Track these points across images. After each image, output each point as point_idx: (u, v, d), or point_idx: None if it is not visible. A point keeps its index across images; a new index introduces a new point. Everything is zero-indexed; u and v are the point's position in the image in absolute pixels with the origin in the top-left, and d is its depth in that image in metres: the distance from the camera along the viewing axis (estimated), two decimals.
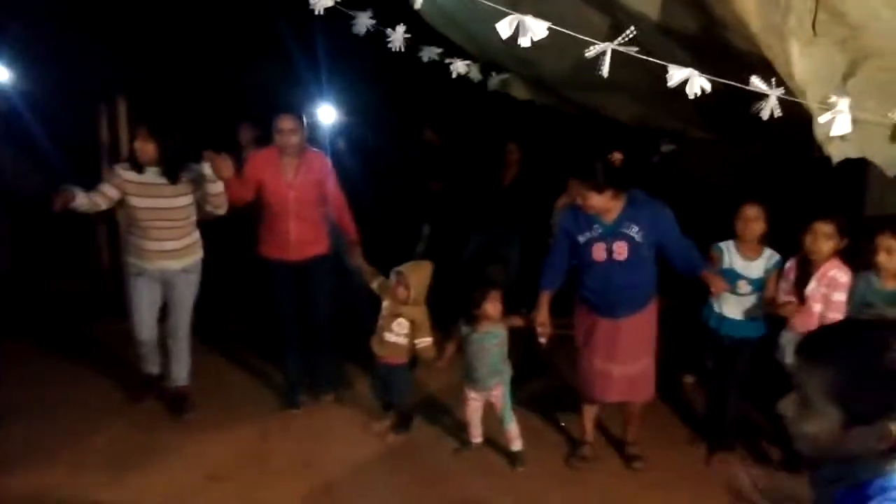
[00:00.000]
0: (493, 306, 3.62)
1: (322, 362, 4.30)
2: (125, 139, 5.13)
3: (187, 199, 3.75)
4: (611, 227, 3.39)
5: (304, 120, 3.91)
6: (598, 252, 3.42)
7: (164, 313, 3.97)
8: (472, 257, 5.51)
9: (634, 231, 3.35)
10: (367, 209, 5.20)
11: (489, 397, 3.78)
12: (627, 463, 3.74)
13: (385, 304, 3.86)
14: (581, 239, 3.47)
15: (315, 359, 4.27)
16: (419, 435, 4.05)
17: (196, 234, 3.91)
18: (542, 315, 3.59)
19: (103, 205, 3.68)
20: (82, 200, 3.55)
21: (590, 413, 3.81)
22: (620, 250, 3.38)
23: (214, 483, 3.46)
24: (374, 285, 3.93)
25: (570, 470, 3.72)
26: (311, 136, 4.94)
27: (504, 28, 2.06)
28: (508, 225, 5.46)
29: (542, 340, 3.61)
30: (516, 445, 3.75)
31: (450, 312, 3.84)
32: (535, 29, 2.05)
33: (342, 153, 5.09)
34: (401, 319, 3.79)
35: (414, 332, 3.81)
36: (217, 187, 3.65)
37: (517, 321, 3.74)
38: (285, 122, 3.80)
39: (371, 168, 5.16)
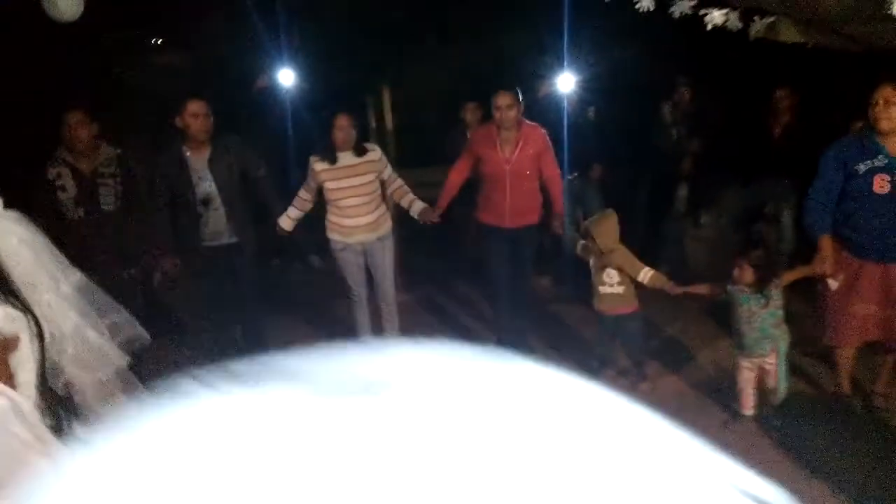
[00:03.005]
0: (742, 273, 3.39)
1: (522, 324, 4.50)
2: (390, 124, 5.63)
3: (372, 177, 4.12)
4: None
5: (520, 95, 3.97)
6: (881, 184, 3.14)
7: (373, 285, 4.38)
8: (736, 217, 5.14)
9: None
10: (620, 174, 5.12)
11: (762, 364, 3.53)
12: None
13: (591, 262, 3.88)
14: (861, 168, 3.19)
15: (516, 321, 4.47)
16: (683, 400, 3.93)
17: (384, 208, 4.29)
18: (832, 262, 3.33)
19: (309, 204, 4.21)
20: (290, 220, 4.18)
21: (845, 362, 3.55)
22: None
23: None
24: (578, 250, 3.97)
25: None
26: (552, 104, 4.98)
27: None
28: (780, 178, 5.00)
29: (834, 284, 3.35)
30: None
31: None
32: None
33: (590, 121, 5.00)
34: (608, 269, 3.77)
35: (626, 274, 3.76)
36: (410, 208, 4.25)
37: (790, 276, 3.47)
38: (503, 99, 3.92)
39: (621, 132, 5.01)
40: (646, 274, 3.74)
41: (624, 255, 3.79)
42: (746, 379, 3.59)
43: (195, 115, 3.82)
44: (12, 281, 1.92)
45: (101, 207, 3.98)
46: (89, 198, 3.95)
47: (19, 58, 5.29)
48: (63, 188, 3.90)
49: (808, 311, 4.03)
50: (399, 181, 4.30)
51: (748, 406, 3.64)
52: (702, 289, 3.66)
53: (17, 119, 4.81)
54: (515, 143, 4.04)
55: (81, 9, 3.92)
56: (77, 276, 2.11)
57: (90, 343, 2.11)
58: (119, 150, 4.13)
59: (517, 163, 4.06)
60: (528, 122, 4.08)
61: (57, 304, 2.04)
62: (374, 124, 5.72)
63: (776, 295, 3.42)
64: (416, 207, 4.26)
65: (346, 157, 4.07)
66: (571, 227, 4.77)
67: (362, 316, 4.50)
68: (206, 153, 3.94)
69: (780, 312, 3.45)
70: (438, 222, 4.26)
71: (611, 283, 3.82)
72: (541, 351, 4.57)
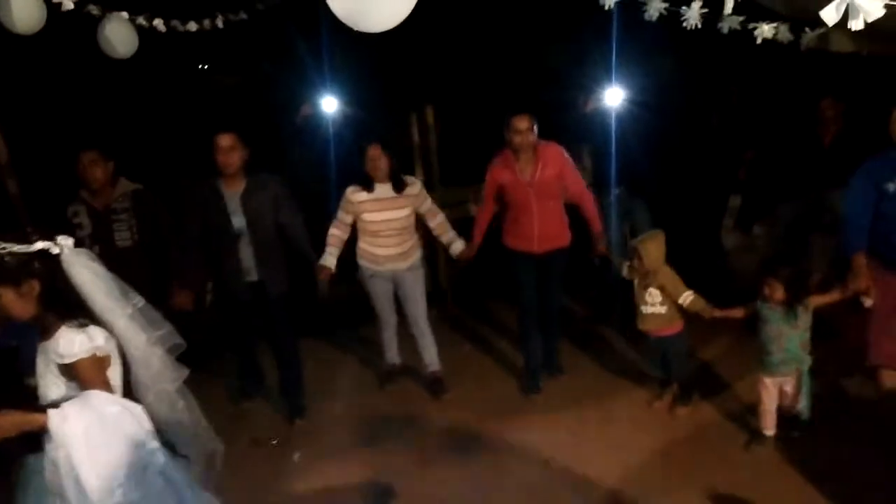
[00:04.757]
0: (772, 290, 3.37)
1: (554, 345, 4.52)
2: (433, 142, 5.66)
3: (409, 210, 4.16)
4: None
5: (535, 119, 3.95)
6: None
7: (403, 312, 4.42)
8: (790, 227, 5.03)
9: None
10: (667, 185, 5.06)
11: (783, 384, 3.53)
12: None
13: (635, 282, 3.86)
14: (891, 187, 3.22)
15: (548, 342, 4.48)
16: (708, 417, 3.96)
17: (416, 237, 4.33)
18: (865, 279, 3.35)
19: (345, 237, 4.21)
20: (333, 258, 4.15)
21: (890, 382, 3.52)
22: None
23: (540, 465, 3.69)
24: (624, 271, 3.94)
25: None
26: (599, 118, 4.94)
27: (830, 14, 1.86)
28: (833, 188, 4.88)
29: (868, 302, 3.40)
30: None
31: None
32: (870, 7, 1.81)
33: (634, 134, 4.95)
34: (651, 289, 3.75)
35: (668, 295, 3.73)
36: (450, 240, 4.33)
37: (823, 299, 3.45)
38: (522, 122, 3.88)
39: (666, 144, 4.96)
40: (686, 297, 3.71)
41: (667, 275, 3.75)
42: (770, 397, 3.56)
43: (221, 148, 3.80)
44: (91, 309, 2.19)
45: (115, 244, 4.06)
46: (104, 234, 4.04)
47: (63, 90, 5.47)
48: (80, 225, 4.04)
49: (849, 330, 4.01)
50: (440, 216, 4.32)
51: (770, 426, 3.61)
52: (737, 312, 3.63)
53: (55, 155, 4.93)
54: (535, 165, 3.98)
55: (136, 45, 4.04)
56: (138, 298, 2.36)
57: (157, 363, 2.35)
58: (138, 186, 4.18)
59: (540, 184, 4.00)
60: (542, 141, 4.02)
61: (129, 328, 2.29)
62: (417, 142, 5.74)
63: (805, 316, 3.39)
64: (455, 248, 4.33)
65: (383, 189, 4.09)
66: (619, 245, 4.72)
67: (390, 339, 4.59)
68: (239, 187, 3.90)
69: (808, 334, 3.43)
70: (471, 258, 4.33)
71: (653, 302, 3.81)
72: (573, 372, 4.59)
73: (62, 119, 5.37)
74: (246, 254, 3.96)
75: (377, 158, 4.00)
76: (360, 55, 5.75)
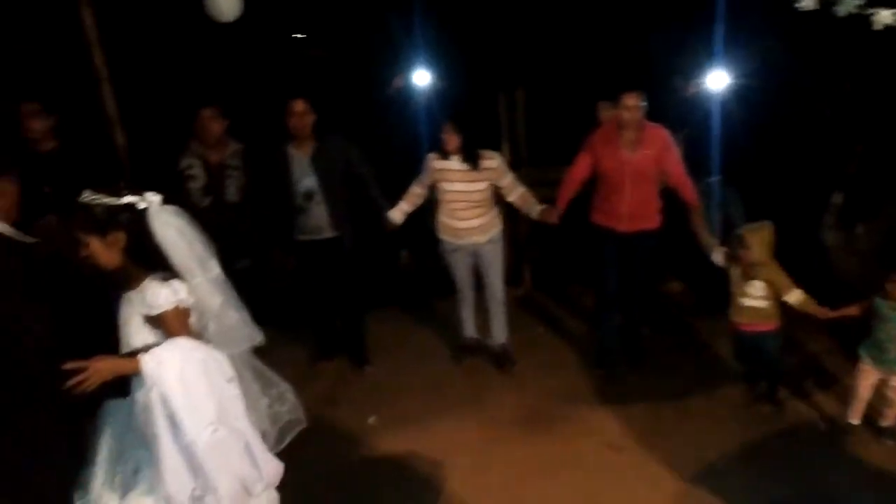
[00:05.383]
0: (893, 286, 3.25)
1: (636, 332, 4.45)
2: (521, 124, 5.60)
3: (485, 185, 4.16)
4: None
5: (644, 97, 3.90)
6: None
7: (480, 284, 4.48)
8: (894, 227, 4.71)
9: None
10: (768, 176, 4.84)
11: (890, 379, 3.41)
12: None
13: (734, 271, 3.73)
14: None
15: (629, 328, 4.41)
16: (792, 416, 3.85)
17: (495, 210, 4.36)
18: None
19: (420, 199, 4.36)
20: (401, 214, 4.32)
21: None
22: None
23: (612, 451, 3.65)
24: (718, 257, 3.81)
25: None
26: (699, 103, 4.75)
27: None
28: None
29: None
30: None
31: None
32: None
33: (736, 121, 4.73)
34: (754, 281, 3.61)
35: (775, 291, 3.59)
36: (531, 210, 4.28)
37: None
38: (631, 99, 3.86)
39: (771, 133, 4.73)
40: (796, 295, 3.56)
41: (776, 269, 3.62)
42: (869, 386, 3.48)
43: (295, 113, 4.01)
44: (173, 265, 2.26)
45: (225, 198, 4.32)
46: (216, 188, 4.28)
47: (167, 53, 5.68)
48: (193, 178, 4.27)
49: None
50: (520, 189, 4.27)
51: (857, 416, 3.55)
52: (852, 310, 3.48)
53: (156, 112, 5.14)
54: (637, 144, 3.96)
55: (240, 10, 4.15)
56: (218, 270, 2.41)
57: (230, 321, 2.43)
58: (243, 145, 4.44)
59: (638, 164, 3.98)
60: (650, 122, 3.99)
61: (206, 286, 2.35)
62: (505, 124, 5.69)
63: None
64: (536, 210, 4.27)
65: (458, 162, 4.13)
66: (712, 233, 4.56)
67: (468, 314, 4.64)
68: (309, 149, 4.11)
69: None
70: (556, 223, 4.22)
71: (754, 295, 3.67)
72: (653, 362, 4.49)
73: (170, 76, 5.57)
74: (319, 212, 4.17)
75: (448, 136, 4.07)
76: (453, 32, 5.72)
